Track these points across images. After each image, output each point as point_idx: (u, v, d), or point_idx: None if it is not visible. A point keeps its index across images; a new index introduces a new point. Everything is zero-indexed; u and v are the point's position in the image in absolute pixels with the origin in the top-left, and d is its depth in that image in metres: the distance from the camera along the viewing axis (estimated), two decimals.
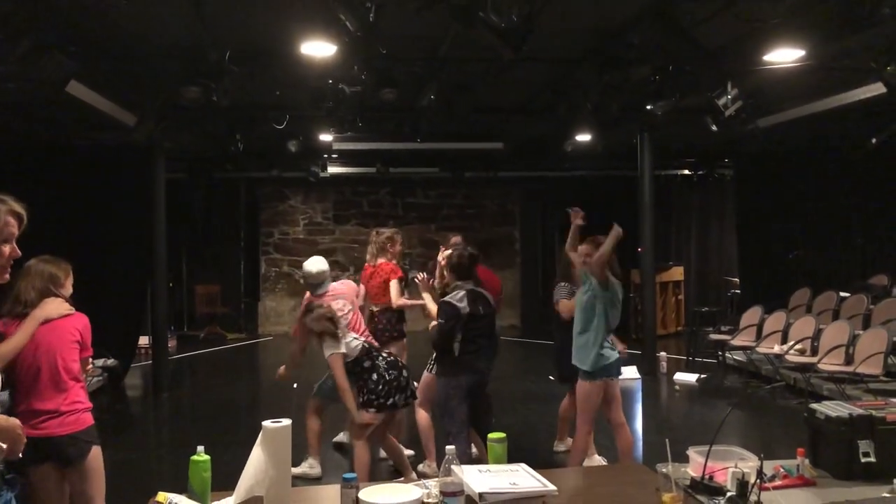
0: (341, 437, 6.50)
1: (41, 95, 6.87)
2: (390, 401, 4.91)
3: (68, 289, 3.57)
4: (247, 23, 6.04)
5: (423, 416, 5.63)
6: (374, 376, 4.90)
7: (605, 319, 4.97)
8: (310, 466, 5.73)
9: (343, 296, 5.77)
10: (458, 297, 4.83)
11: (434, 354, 5.31)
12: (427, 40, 6.58)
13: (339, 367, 4.87)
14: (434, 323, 4.96)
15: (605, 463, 5.77)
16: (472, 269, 5.07)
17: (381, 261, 6.45)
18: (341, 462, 6.18)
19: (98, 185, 9.39)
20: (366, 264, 6.64)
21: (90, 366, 3.76)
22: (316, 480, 5.55)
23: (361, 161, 12.88)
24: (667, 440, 2.78)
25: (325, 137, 10.44)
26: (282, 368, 5.86)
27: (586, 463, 5.44)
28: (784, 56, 6.39)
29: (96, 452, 3.55)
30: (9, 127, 8.98)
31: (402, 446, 5.55)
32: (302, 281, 6.24)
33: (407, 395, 5.03)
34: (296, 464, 5.64)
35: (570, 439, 5.83)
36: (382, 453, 5.82)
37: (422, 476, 5.21)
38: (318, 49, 5.86)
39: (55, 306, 3.46)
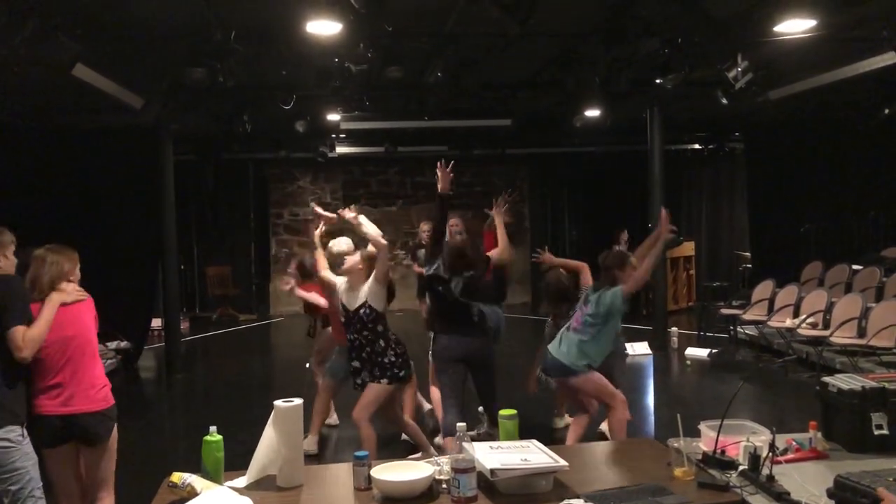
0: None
1: (47, 79, 6.86)
2: (401, 373, 4.90)
3: (77, 276, 3.63)
4: (251, 2, 6.00)
5: (435, 391, 5.66)
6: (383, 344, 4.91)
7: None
8: (306, 444, 5.73)
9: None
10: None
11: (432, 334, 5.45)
12: (433, 16, 6.51)
13: None
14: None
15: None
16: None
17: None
18: (353, 441, 6.19)
19: (107, 168, 9.42)
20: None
21: None
22: (314, 458, 5.58)
23: (369, 140, 12.85)
24: (678, 415, 2.78)
25: (333, 117, 10.40)
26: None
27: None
28: (794, 26, 6.30)
29: (115, 432, 3.61)
30: (16, 111, 8.98)
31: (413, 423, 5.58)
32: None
33: (409, 371, 5.06)
34: None
35: (568, 416, 5.98)
36: (404, 434, 5.79)
37: (437, 449, 5.24)
38: (324, 27, 5.81)
39: (72, 289, 3.52)
